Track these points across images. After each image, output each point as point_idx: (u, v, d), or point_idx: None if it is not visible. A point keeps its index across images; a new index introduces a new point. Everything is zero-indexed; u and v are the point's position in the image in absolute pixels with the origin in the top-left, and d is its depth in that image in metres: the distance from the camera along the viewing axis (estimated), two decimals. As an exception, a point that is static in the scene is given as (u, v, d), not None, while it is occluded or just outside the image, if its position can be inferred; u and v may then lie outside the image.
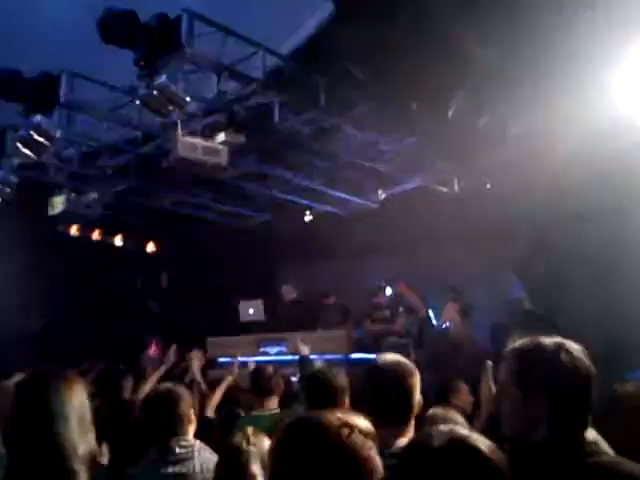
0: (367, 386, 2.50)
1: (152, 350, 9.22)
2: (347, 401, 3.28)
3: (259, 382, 4.54)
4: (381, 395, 2.36)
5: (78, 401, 1.87)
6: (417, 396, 2.40)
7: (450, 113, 5.96)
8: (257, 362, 8.21)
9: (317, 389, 3.32)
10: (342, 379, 3.34)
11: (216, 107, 6.14)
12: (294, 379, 7.68)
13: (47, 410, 1.81)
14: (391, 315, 8.70)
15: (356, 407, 2.72)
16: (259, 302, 9.00)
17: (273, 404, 4.46)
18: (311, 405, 3.27)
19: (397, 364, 2.45)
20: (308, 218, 10.23)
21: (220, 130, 6.00)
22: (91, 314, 9.87)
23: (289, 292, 9.30)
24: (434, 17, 5.12)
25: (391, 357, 2.53)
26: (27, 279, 8.94)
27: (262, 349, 8.65)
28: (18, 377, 2.23)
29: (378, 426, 1.49)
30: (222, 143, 6.02)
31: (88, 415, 1.89)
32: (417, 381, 2.43)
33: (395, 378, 2.39)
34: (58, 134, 6.42)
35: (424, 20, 5.12)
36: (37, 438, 1.79)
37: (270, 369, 4.69)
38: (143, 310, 10.37)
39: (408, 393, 2.37)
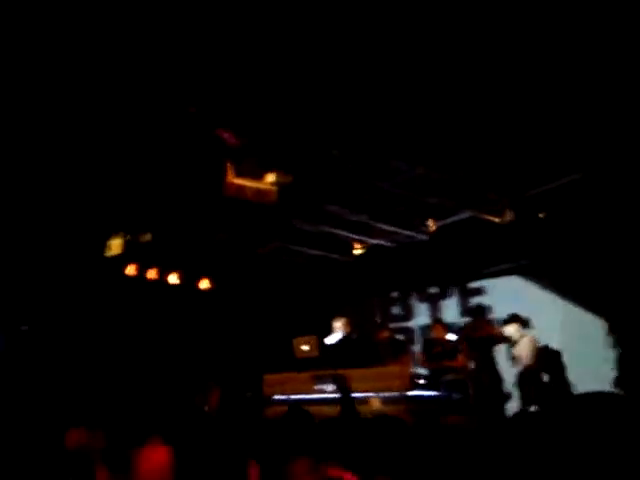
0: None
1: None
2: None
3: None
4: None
5: None
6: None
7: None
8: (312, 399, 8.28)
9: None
10: None
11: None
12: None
13: None
14: (451, 350, 8.53)
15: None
16: (313, 337, 8.92)
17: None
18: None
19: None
20: (357, 252, 10.21)
21: (269, 171, 6.04)
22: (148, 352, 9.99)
23: (343, 327, 9.19)
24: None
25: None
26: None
27: (317, 386, 8.53)
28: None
29: None
30: (271, 183, 6.07)
31: None
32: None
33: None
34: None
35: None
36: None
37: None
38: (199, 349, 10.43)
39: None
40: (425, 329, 10.18)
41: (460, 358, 8.45)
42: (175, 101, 5.50)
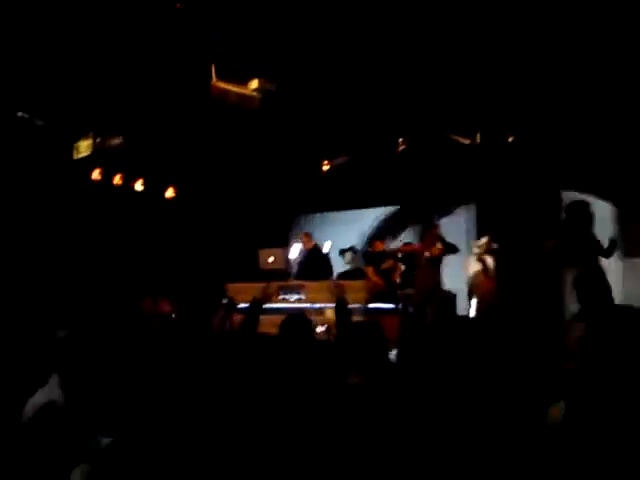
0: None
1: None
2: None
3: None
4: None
5: None
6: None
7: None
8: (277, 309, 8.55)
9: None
10: None
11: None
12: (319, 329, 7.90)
13: None
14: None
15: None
16: (280, 250, 9.10)
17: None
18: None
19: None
20: (326, 168, 10.32)
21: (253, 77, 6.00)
22: (106, 258, 9.99)
23: (306, 242, 9.39)
24: None
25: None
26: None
27: (281, 296, 8.77)
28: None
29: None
30: (254, 90, 6.03)
31: None
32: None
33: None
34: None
35: None
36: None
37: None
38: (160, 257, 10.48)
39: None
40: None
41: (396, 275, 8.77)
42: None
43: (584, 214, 6.11)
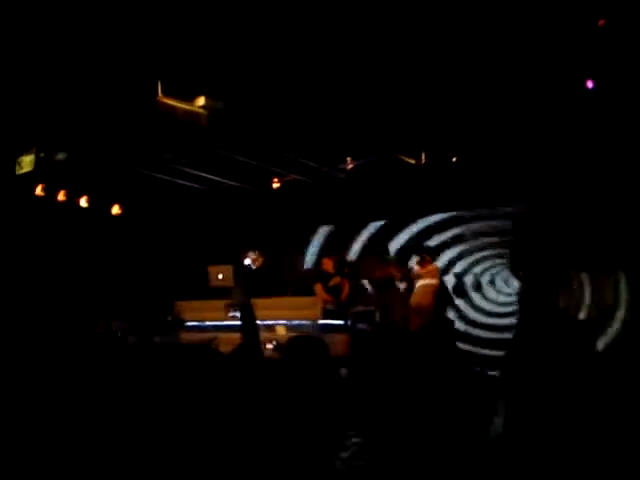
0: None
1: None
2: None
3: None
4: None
5: None
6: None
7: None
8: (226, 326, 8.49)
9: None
10: None
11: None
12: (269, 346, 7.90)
13: None
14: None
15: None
16: (228, 267, 9.05)
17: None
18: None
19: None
20: (276, 185, 10.35)
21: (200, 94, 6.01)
22: (54, 276, 9.77)
23: (256, 259, 9.37)
24: None
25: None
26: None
27: (231, 314, 8.72)
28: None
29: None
30: (201, 107, 6.04)
31: None
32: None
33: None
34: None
35: None
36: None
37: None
38: (110, 274, 10.29)
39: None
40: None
41: (344, 292, 8.83)
42: (103, 11, 5.31)
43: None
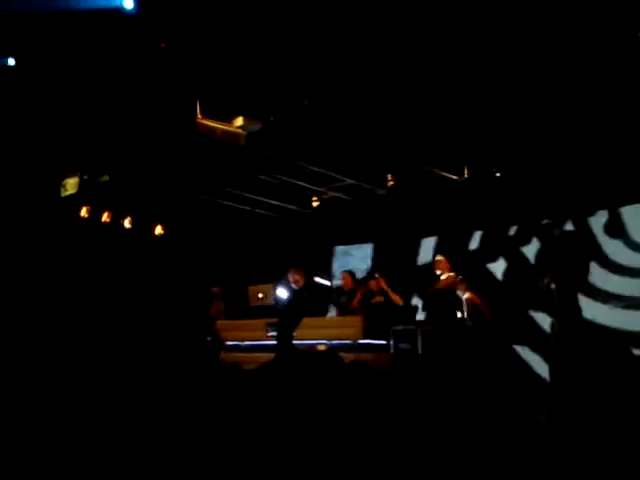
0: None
1: None
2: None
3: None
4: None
5: None
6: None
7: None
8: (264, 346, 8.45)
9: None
10: None
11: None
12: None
13: None
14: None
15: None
16: (268, 286, 9.02)
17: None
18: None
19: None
20: (315, 204, 10.32)
21: (238, 114, 6.03)
22: (98, 296, 9.93)
23: (299, 278, 9.30)
24: None
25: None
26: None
27: (270, 333, 8.67)
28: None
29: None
30: (239, 127, 6.05)
31: None
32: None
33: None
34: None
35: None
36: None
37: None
38: (152, 294, 10.39)
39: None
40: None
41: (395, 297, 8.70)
42: (145, 37, 5.39)
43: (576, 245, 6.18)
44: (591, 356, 2.06)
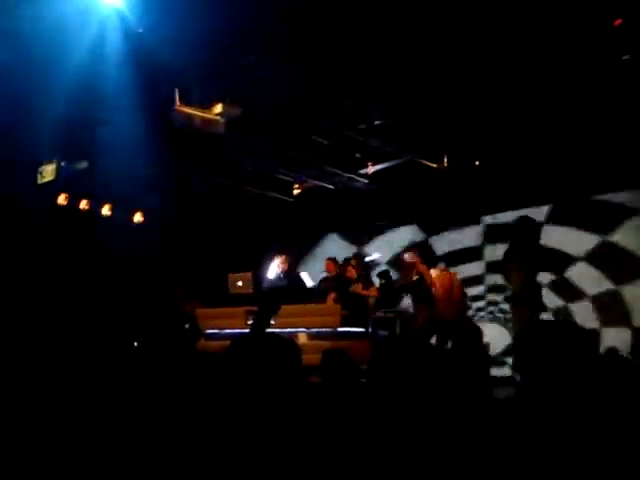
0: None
1: None
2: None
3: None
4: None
5: None
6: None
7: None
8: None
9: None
10: None
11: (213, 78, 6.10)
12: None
13: None
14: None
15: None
16: (248, 275, 9.01)
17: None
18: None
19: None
20: (297, 192, 10.29)
21: (217, 101, 5.98)
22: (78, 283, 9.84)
23: (281, 264, 9.28)
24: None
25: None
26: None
27: (250, 321, 8.68)
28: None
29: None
30: (218, 114, 6.01)
31: None
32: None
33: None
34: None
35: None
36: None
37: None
38: (130, 281, 10.32)
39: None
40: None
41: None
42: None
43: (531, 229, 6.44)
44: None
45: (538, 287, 6.63)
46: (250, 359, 2.21)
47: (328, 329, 8.31)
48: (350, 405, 2.74)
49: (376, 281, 9.08)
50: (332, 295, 8.76)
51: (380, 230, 10.86)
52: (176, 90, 5.85)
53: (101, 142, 7.74)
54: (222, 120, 5.98)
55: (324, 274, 9.26)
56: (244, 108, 6.19)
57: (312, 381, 3.65)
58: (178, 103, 5.84)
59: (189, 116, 5.79)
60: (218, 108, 5.97)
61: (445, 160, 8.66)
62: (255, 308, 8.56)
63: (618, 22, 5.09)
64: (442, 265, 8.54)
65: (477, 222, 10.00)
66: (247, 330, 8.44)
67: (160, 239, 10.64)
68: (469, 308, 9.37)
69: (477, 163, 8.75)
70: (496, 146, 8.20)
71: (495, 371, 7.00)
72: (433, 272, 8.23)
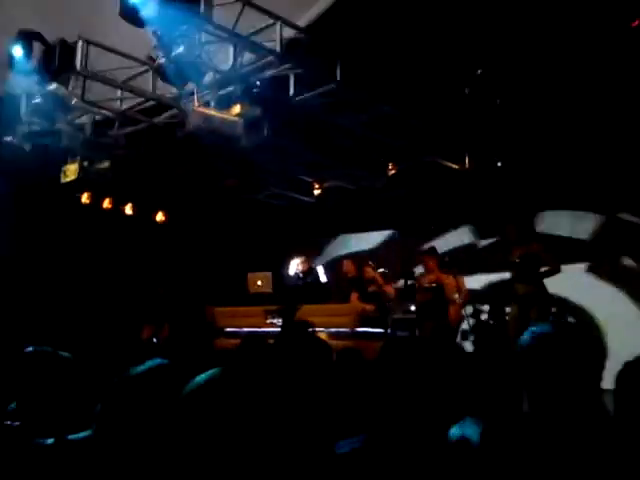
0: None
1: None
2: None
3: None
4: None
5: None
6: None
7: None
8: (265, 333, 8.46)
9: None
10: None
11: (231, 79, 6.12)
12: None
13: None
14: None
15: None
16: (268, 274, 9.04)
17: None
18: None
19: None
20: (317, 192, 10.27)
21: (235, 102, 5.99)
22: (100, 282, 9.97)
23: (301, 264, 9.28)
24: None
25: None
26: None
27: (269, 320, 8.71)
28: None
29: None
30: (237, 115, 6.03)
31: None
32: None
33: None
34: (73, 102, 6.45)
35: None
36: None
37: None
38: (153, 280, 10.41)
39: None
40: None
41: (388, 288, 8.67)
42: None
43: None
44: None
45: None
46: (288, 358, 2.22)
47: (347, 329, 8.30)
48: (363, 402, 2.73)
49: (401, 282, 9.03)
50: (355, 295, 8.75)
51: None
52: (195, 89, 5.89)
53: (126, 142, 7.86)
54: (240, 121, 6.00)
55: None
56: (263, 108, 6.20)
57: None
58: (197, 104, 5.88)
59: (207, 117, 5.82)
60: (237, 109, 5.99)
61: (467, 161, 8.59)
62: (274, 307, 8.59)
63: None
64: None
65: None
66: (266, 329, 8.46)
67: (181, 238, 10.74)
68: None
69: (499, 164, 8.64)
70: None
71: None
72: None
